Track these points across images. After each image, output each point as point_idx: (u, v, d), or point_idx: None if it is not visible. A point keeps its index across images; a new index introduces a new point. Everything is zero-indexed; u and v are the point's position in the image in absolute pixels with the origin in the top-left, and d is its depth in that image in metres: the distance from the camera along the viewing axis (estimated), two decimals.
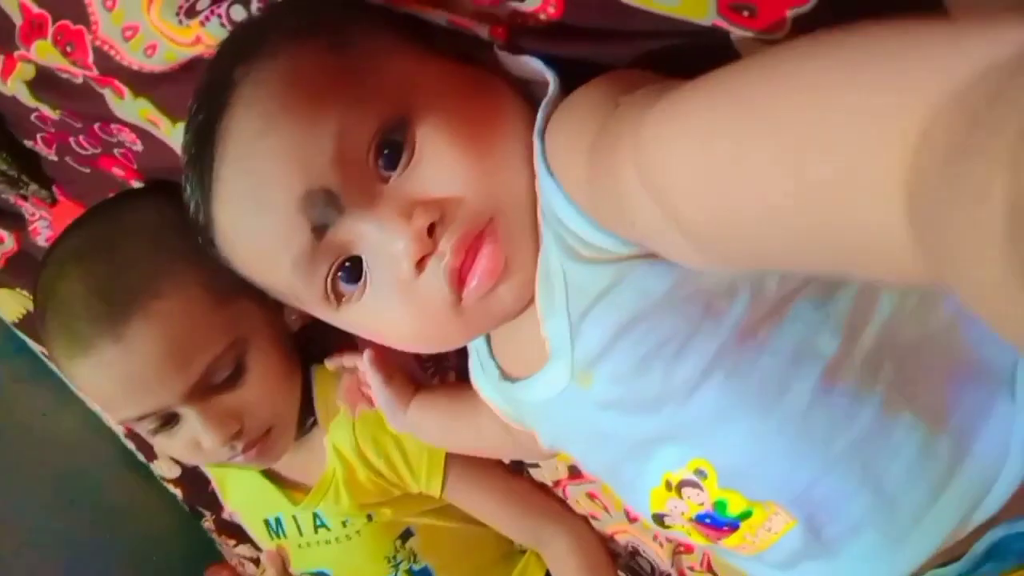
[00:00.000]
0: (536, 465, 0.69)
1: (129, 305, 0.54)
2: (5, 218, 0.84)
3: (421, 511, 0.71)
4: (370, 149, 0.36)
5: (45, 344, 0.62)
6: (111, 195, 0.67)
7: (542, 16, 0.36)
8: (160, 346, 0.55)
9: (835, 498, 0.35)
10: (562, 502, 0.70)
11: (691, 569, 0.66)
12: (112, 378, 0.56)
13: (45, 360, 1.21)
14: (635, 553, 0.70)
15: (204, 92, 0.40)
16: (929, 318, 0.35)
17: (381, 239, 0.36)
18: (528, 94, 0.40)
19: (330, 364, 0.65)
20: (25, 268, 0.88)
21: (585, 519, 0.70)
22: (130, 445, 1.27)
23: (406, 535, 0.71)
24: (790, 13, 0.30)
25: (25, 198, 0.76)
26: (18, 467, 1.34)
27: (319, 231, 0.37)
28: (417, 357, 0.67)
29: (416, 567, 0.72)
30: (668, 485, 0.38)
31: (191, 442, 0.60)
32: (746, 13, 0.32)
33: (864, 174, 0.18)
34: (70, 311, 0.56)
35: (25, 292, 0.94)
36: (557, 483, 0.69)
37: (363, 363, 0.59)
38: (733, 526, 0.37)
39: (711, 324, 0.34)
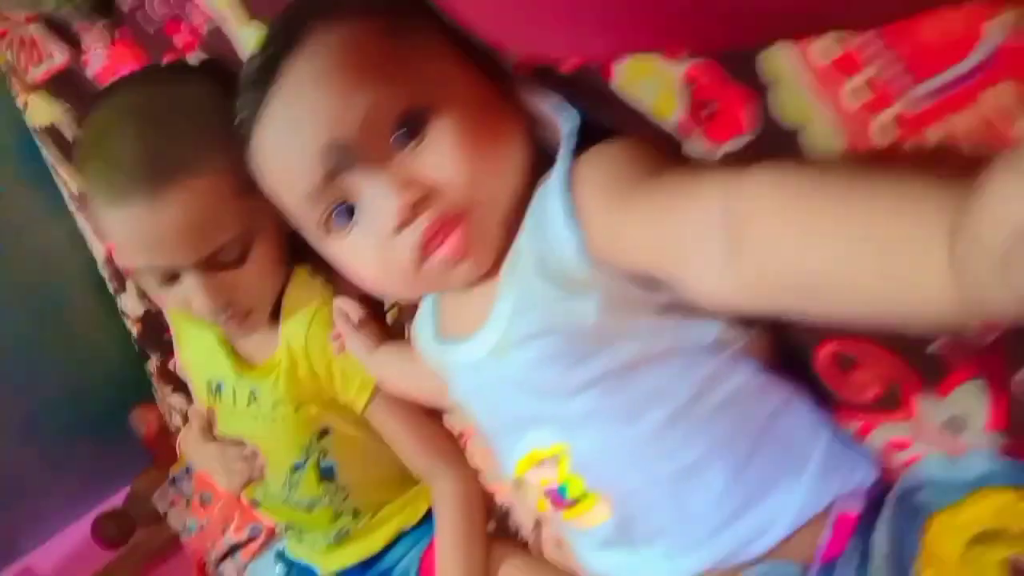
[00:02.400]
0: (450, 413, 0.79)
1: (170, 175, 0.62)
2: (62, 36, 0.92)
3: (343, 417, 0.81)
4: (392, 124, 0.45)
5: (81, 176, 0.69)
6: (167, 60, 0.76)
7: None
8: (186, 217, 0.63)
9: (648, 507, 0.46)
10: (461, 451, 0.81)
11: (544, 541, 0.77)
12: (137, 232, 0.64)
13: (51, 170, 1.29)
14: (507, 515, 0.82)
15: (280, 30, 0.49)
16: (763, 401, 0.45)
17: (377, 197, 0.46)
18: (531, 126, 0.49)
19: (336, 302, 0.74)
20: (67, 86, 0.96)
21: (475, 472, 0.81)
22: (105, 273, 1.35)
23: (323, 433, 0.81)
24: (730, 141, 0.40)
25: (89, 27, 0.84)
26: None
27: (331, 175, 0.46)
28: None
29: (324, 462, 0.82)
30: (533, 458, 0.49)
31: (184, 299, 0.69)
32: (706, 111, 0.41)
33: (922, 256, 0.27)
34: (117, 163, 0.64)
35: (60, 108, 1.02)
36: (463, 434, 0.79)
37: (335, 311, 0.72)
38: (570, 504, 0.48)
39: (605, 354, 0.44)
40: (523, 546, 0.81)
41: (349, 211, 0.48)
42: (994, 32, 0.29)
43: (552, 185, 0.45)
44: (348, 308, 0.73)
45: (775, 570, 0.45)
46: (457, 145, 0.45)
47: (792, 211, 0.33)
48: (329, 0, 0.49)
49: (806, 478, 0.44)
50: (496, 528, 0.84)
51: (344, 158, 0.46)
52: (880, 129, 0.35)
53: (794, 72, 0.36)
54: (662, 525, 0.46)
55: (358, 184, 0.46)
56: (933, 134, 0.33)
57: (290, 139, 0.47)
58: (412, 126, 0.45)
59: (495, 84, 0.48)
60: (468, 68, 0.48)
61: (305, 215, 0.49)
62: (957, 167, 0.28)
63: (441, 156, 0.45)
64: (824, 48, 0.34)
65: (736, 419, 0.44)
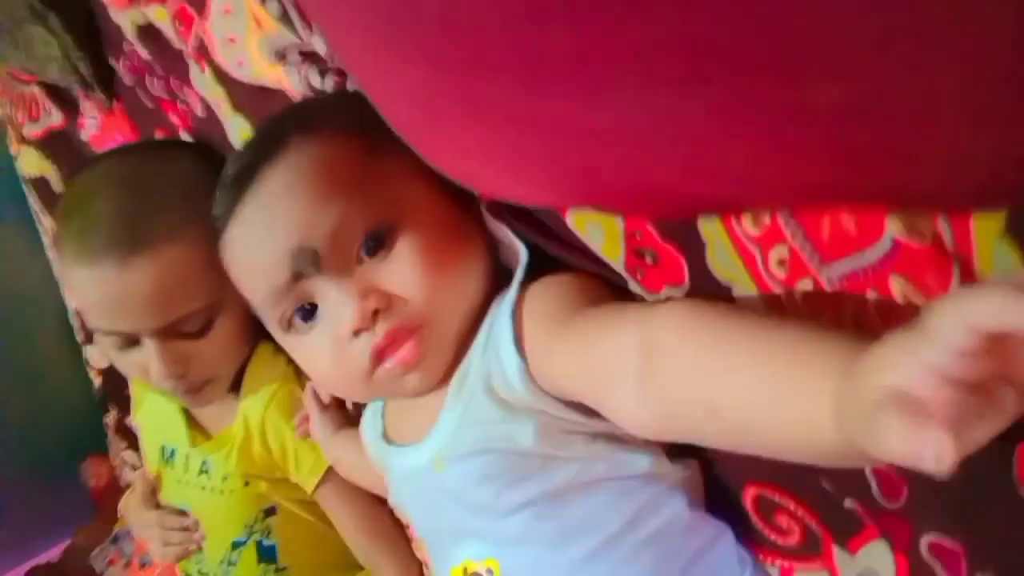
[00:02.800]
0: None
1: (144, 242, 0.65)
2: (61, 99, 0.96)
3: (291, 497, 0.81)
4: (359, 236, 0.48)
5: (58, 236, 0.72)
6: (160, 135, 0.79)
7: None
8: (154, 285, 0.65)
9: None
10: (408, 544, 0.81)
11: None
12: (103, 294, 0.66)
13: (35, 217, 1.31)
14: None
15: (263, 137, 0.52)
16: (690, 538, 0.47)
17: (338, 302, 0.48)
18: (494, 247, 0.52)
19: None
20: (60, 146, 1.00)
21: (420, 564, 0.81)
22: (74, 323, 1.36)
23: (269, 512, 0.81)
24: (665, 288, 0.43)
25: (88, 95, 0.88)
26: None
27: (296, 277, 0.49)
28: None
29: (266, 541, 0.82)
30: (465, 570, 0.50)
31: (141, 365, 0.70)
32: (648, 259, 0.44)
33: (811, 397, 0.30)
34: (93, 225, 0.66)
35: (51, 164, 1.05)
36: (411, 525, 0.79)
37: (308, 391, 0.73)
38: None
39: (541, 477, 0.46)
40: None
41: (310, 311, 0.50)
42: (891, 231, 0.32)
43: (502, 309, 0.47)
44: (319, 391, 0.75)
45: None
46: (419, 262, 0.48)
47: (698, 344, 0.36)
48: (311, 115, 0.53)
49: None
50: None
51: (311, 263, 0.48)
52: (799, 298, 0.38)
53: (725, 238, 0.39)
54: None
55: (321, 288, 0.49)
56: (844, 311, 0.36)
57: (262, 238, 0.50)
58: (378, 240, 0.48)
59: (461, 207, 0.51)
60: (436, 190, 0.51)
61: (268, 311, 0.52)
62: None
63: (403, 270, 0.48)
64: (749, 222, 0.37)
65: (661, 555, 0.46)
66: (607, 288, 0.47)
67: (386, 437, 0.56)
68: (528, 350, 0.46)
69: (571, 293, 0.46)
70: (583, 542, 0.46)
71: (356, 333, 0.48)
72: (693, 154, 0.26)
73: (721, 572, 0.47)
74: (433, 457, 0.50)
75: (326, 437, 0.73)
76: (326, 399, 0.73)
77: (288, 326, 0.51)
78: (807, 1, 0.19)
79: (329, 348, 0.50)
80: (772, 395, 0.32)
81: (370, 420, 0.59)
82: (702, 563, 0.47)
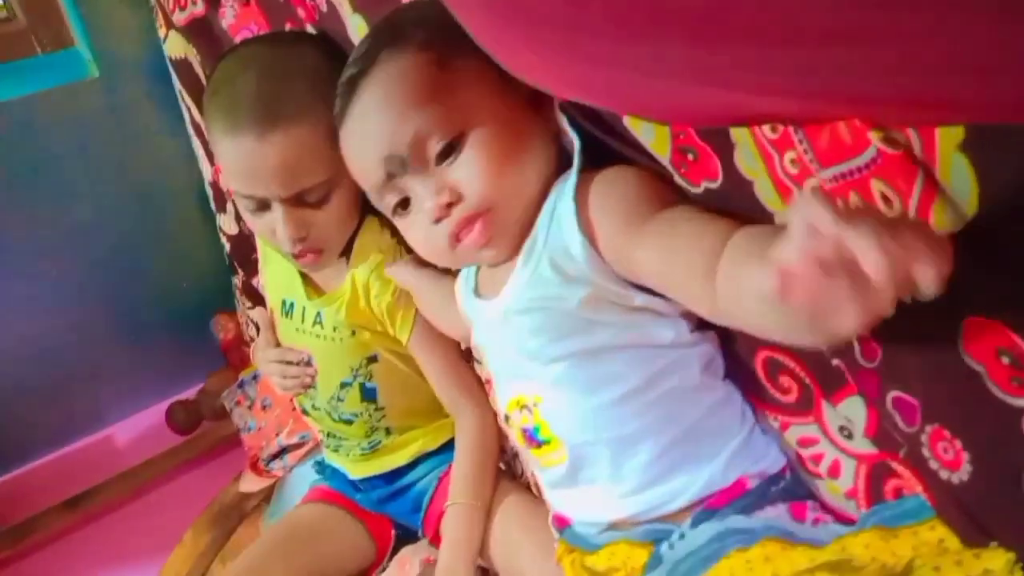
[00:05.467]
0: (479, 361, 0.94)
1: (279, 119, 0.78)
2: None
3: (390, 348, 0.97)
4: (434, 142, 0.60)
5: (206, 108, 0.85)
6: (289, 27, 0.91)
7: None
8: (285, 157, 0.79)
9: (592, 460, 0.60)
10: (485, 394, 0.96)
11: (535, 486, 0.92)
12: (242, 160, 0.80)
13: (178, 95, 1.48)
14: (515, 456, 0.97)
15: (360, 54, 0.64)
16: (700, 397, 0.58)
17: (423, 196, 0.61)
18: (559, 138, 0.62)
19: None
20: (201, 32, 1.14)
21: (494, 414, 0.95)
22: (209, 192, 1.55)
23: (372, 359, 0.98)
24: (703, 182, 0.52)
25: None
26: (112, 162, 1.65)
27: (390, 176, 0.62)
28: None
29: (368, 384, 0.99)
30: (518, 401, 0.63)
31: (270, 226, 0.85)
32: (690, 156, 0.53)
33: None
34: (238, 100, 0.79)
35: (192, 48, 1.19)
36: (489, 380, 0.94)
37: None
38: (539, 444, 0.62)
39: (581, 336, 0.58)
40: (524, 487, 0.96)
41: (407, 201, 0.64)
42: (875, 141, 0.41)
43: (565, 192, 0.58)
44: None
45: (657, 528, 0.59)
46: (484, 160, 0.59)
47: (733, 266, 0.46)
48: (398, 30, 0.63)
49: (720, 460, 0.57)
50: (507, 467, 0.99)
51: (399, 165, 0.61)
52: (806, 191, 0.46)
53: (750, 141, 0.48)
54: (600, 476, 0.60)
55: (411, 185, 0.62)
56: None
57: (361, 147, 0.64)
58: (450, 146, 0.60)
59: (528, 102, 0.61)
60: (502, 90, 0.60)
61: (376, 201, 0.66)
62: None
63: (470, 169, 0.60)
64: (768, 128, 0.46)
65: (673, 409, 0.58)
66: (662, 182, 0.56)
67: (476, 292, 0.70)
68: (594, 235, 0.56)
69: (637, 191, 0.56)
70: (608, 392, 0.58)
71: (436, 221, 0.61)
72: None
73: (722, 428, 0.59)
74: (503, 310, 0.63)
75: (410, 271, 0.86)
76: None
77: (394, 212, 0.65)
78: None
79: (421, 230, 0.63)
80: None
81: (464, 279, 0.73)
82: (707, 420, 0.58)
